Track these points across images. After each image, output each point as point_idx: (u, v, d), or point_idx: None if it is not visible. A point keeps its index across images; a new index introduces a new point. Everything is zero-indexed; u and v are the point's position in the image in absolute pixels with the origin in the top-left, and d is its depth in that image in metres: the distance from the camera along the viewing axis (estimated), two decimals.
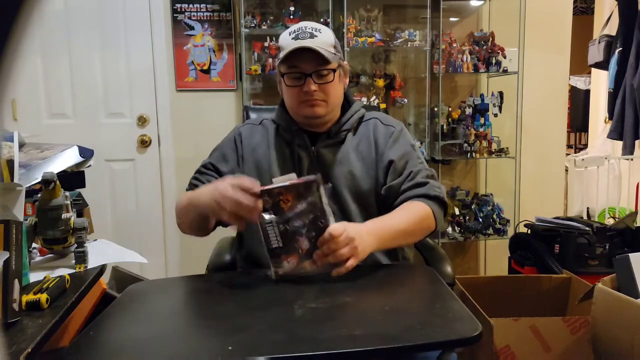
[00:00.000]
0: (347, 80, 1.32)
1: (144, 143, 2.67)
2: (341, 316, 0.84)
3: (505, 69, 2.58)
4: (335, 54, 1.23)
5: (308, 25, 1.23)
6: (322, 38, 1.21)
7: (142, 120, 2.66)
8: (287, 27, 2.46)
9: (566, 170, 3.24)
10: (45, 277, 0.99)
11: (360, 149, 1.28)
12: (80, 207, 1.49)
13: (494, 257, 2.86)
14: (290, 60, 1.20)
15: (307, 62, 1.19)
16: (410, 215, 1.16)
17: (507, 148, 2.62)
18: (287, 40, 1.22)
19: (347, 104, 1.34)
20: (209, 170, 1.30)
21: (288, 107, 1.29)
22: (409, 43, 2.57)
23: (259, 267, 1.25)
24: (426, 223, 1.18)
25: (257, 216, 1.00)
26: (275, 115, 1.35)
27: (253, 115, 1.68)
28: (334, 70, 1.23)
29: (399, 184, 1.23)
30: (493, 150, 2.61)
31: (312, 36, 1.20)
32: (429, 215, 1.18)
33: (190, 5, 2.62)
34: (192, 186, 1.28)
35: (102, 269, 1.14)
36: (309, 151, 1.28)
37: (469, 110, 2.62)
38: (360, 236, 1.00)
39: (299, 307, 0.87)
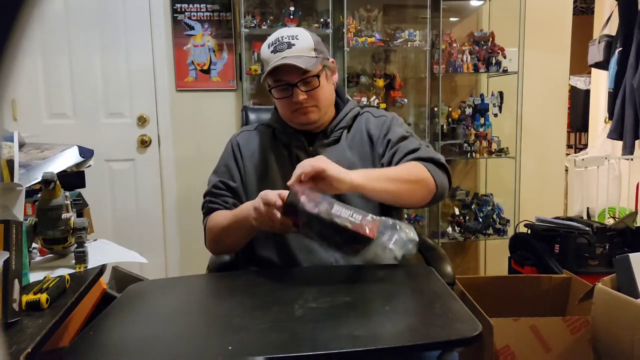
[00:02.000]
0: (336, 76, 1.31)
1: (144, 143, 2.67)
2: (341, 316, 0.84)
3: (505, 69, 2.58)
4: (316, 57, 1.22)
5: (284, 34, 1.23)
6: (301, 45, 1.21)
7: (142, 120, 2.66)
8: (287, 27, 2.49)
9: (566, 170, 3.24)
10: (45, 277, 0.99)
11: (354, 144, 1.29)
12: (80, 207, 1.49)
13: (494, 257, 2.86)
14: (274, 74, 1.20)
15: (290, 74, 1.20)
16: (398, 168, 1.18)
17: (507, 148, 2.63)
18: (266, 54, 1.22)
19: (340, 100, 1.34)
20: (221, 190, 1.30)
21: (282, 116, 1.31)
22: (409, 43, 2.57)
23: (264, 268, 1.26)
24: (420, 176, 1.15)
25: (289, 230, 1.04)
26: (270, 119, 1.36)
27: (252, 116, 1.68)
28: (318, 75, 1.22)
29: (390, 156, 1.23)
30: (493, 150, 2.61)
31: (289, 46, 1.20)
32: (422, 170, 1.16)
33: (190, 5, 2.62)
34: (209, 209, 1.29)
35: (102, 269, 1.14)
36: (307, 151, 1.28)
37: (469, 110, 2.62)
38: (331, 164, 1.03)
39: (299, 307, 0.87)
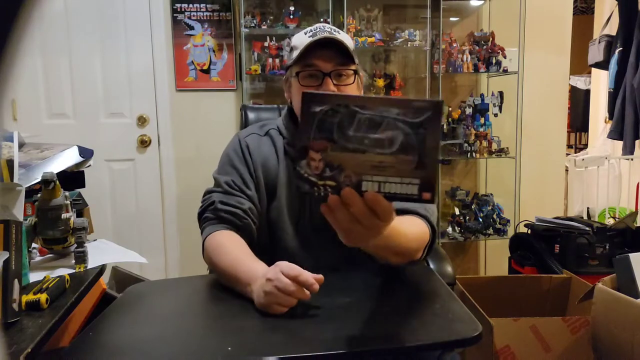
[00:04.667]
0: (362, 93, 1.18)
1: (144, 143, 2.67)
2: (341, 316, 0.84)
3: (505, 68, 2.58)
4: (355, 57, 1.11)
5: (326, 25, 1.12)
6: (342, 38, 1.09)
7: (141, 120, 2.66)
8: (287, 27, 2.49)
9: (566, 170, 3.24)
10: (45, 277, 0.99)
11: None
12: (80, 207, 1.49)
13: (494, 257, 2.86)
14: (306, 58, 1.07)
15: (325, 61, 1.07)
16: (415, 231, 1.00)
17: (507, 148, 2.62)
18: (302, 39, 1.09)
19: None
20: (234, 190, 1.11)
21: (297, 111, 1.15)
22: (409, 43, 2.57)
23: None
24: (421, 246, 1.02)
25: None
26: (282, 123, 1.21)
27: (251, 115, 1.66)
28: (356, 72, 1.11)
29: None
30: (493, 150, 2.61)
31: (331, 34, 1.09)
32: (426, 239, 1.03)
33: (190, 5, 2.62)
34: (217, 213, 1.09)
35: (101, 269, 1.14)
36: None
37: (469, 110, 2.62)
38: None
39: (298, 308, 0.86)
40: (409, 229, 0.98)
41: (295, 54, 1.10)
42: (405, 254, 0.98)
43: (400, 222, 0.85)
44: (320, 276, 0.84)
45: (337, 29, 1.12)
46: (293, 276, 0.83)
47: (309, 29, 1.12)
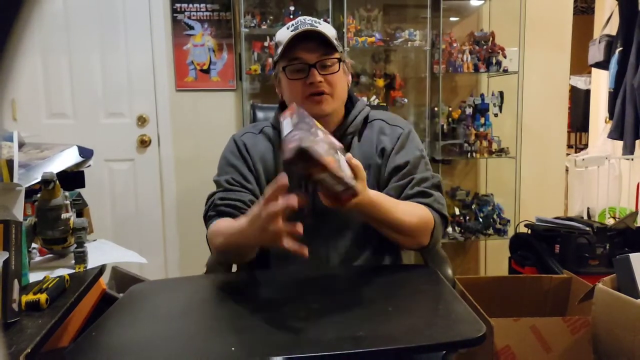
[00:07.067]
0: (350, 78, 1.23)
1: (144, 143, 2.66)
2: (344, 317, 0.84)
3: (505, 68, 2.58)
4: (338, 45, 1.16)
5: (307, 17, 1.17)
6: (324, 28, 1.13)
7: (141, 120, 2.65)
8: None
9: (566, 170, 3.24)
10: (44, 277, 0.99)
11: (365, 155, 1.17)
12: (80, 207, 1.49)
13: (494, 258, 2.86)
14: (291, 52, 1.12)
15: (310, 52, 1.12)
16: (412, 209, 1.09)
17: (507, 148, 2.62)
18: (284, 34, 1.14)
19: (350, 104, 1.23)
20: (235, 186, 1.15)
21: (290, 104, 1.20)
22: (409, 43, 2.56)
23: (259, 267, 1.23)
24: (424, 227, 1.10)
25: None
26: (274, 120, 1.24)
27: (260, 114, 1.65)
28: (340, 60, 1.15)
29: (401, 188, 1.14)
30: (493, 150, 2.61)
31: (312, 26, 1.13)
32: (429, 222, 1.10)
33: (190, 5, 2.62)
34: (219, 211, 1.13)
35: (101, 269, 1.13)
36: None
37: (469, 110, 2.62)
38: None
39: (301, 308, 0.86)
40: (401, 204, 1.09)
41: (280, 48, 1.15)
42: (404, 230, 1.07)
43: (389, 198, 1.06)
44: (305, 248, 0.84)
45: (317, 20, 1.16)
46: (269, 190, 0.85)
47: (290, 23, 1.16)
